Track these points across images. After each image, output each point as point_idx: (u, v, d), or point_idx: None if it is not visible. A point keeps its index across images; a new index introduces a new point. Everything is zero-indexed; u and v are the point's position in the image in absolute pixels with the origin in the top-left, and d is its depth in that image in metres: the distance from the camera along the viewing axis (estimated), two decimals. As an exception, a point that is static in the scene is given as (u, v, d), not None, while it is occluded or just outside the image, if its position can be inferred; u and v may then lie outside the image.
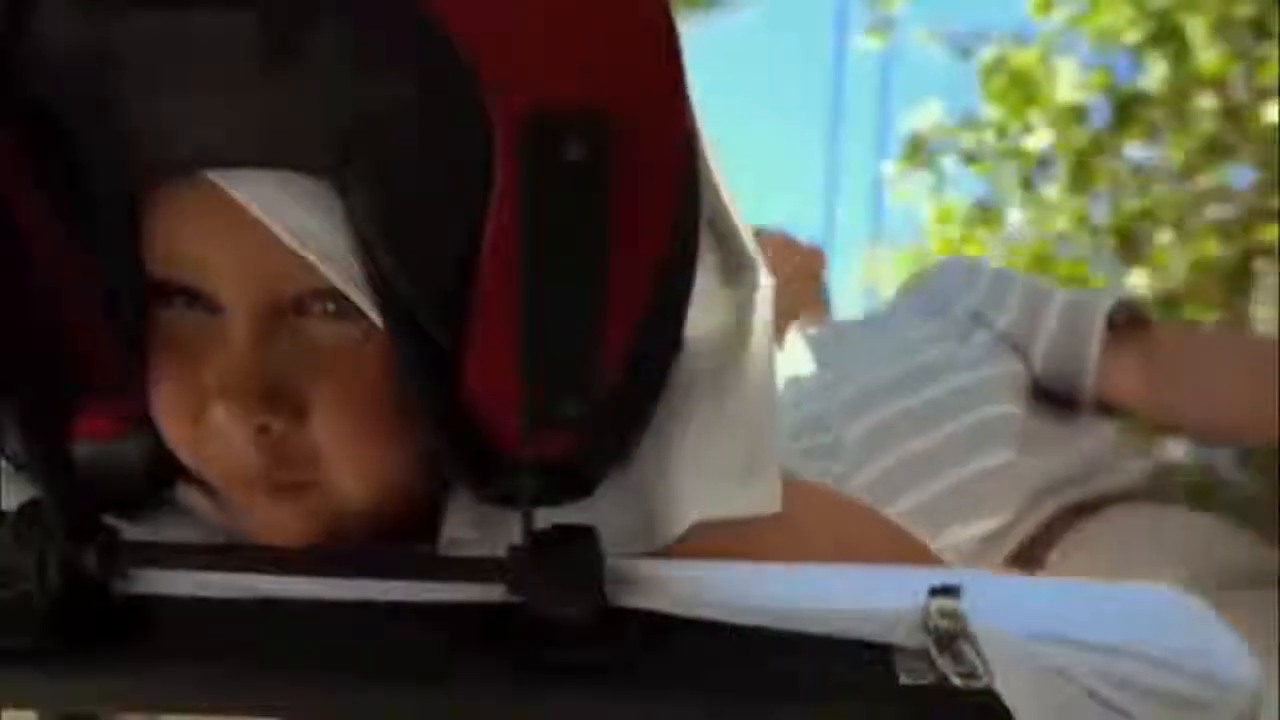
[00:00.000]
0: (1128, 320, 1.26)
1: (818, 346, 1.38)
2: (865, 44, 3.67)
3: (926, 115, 3.42)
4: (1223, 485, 1.58)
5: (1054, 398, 1.27)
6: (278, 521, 0.46)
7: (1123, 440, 1.34)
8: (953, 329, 1.31)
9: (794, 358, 1.39)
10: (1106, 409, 1.28)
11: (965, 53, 3.27)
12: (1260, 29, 2.60)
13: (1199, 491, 1.50)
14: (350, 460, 0.45)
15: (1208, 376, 1.26)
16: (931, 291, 1.39)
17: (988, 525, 1.16)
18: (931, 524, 1.15)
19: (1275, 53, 2.55)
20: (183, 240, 0.44)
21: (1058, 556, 1.15)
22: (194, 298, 0.45)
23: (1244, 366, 1.25)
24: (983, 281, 1.34)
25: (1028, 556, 1.16)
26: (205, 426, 0.45)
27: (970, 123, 3.32)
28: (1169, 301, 2.63)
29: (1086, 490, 1.20)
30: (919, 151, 3.44)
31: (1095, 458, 1.24)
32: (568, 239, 0.39)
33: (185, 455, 0.47)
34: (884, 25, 3.56)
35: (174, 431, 0.46)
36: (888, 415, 1.24)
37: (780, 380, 1.40)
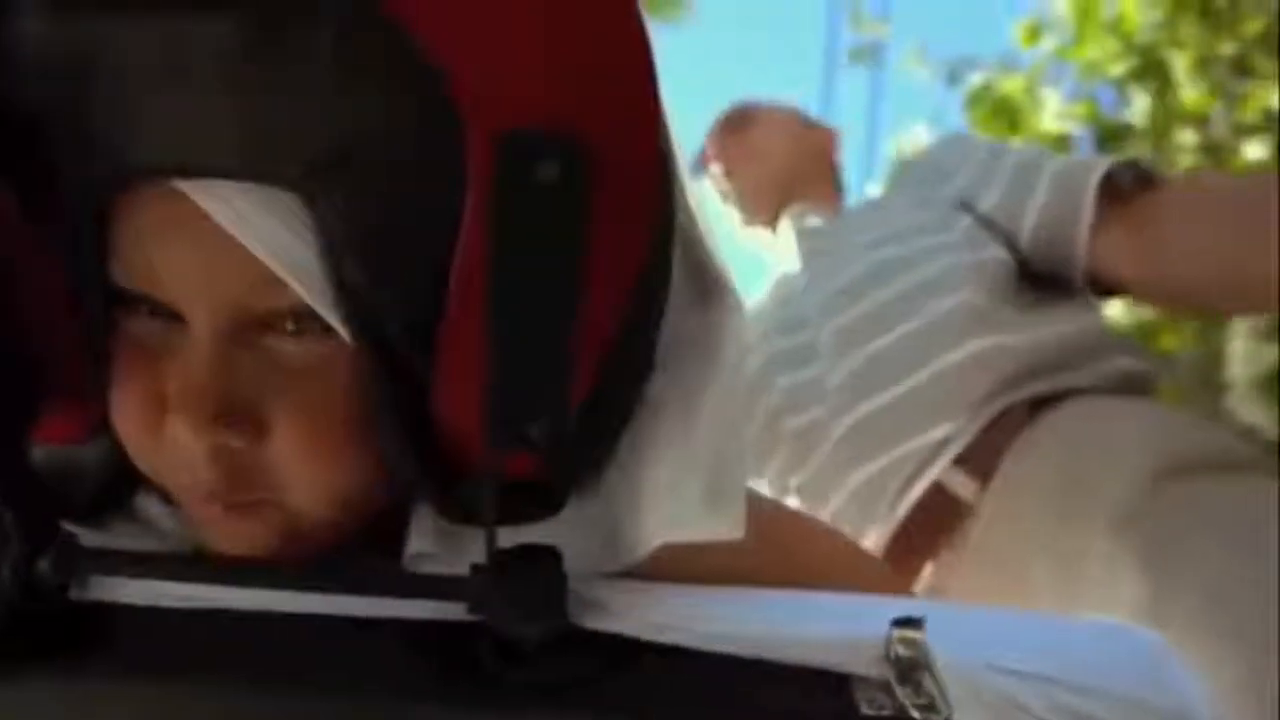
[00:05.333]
0: (1133, 184, 1.07)
1: (809, 239, 1.27)
2: (853, 68, 3.70)
3: (912, 140, 3.44)
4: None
5: (1047, 282, 1.11)
6: (235, 535, 0.46)
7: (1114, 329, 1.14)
8: (938, 219, 1.16)
9: (787, 251, 1.29)
10: (1105, 290, 1.11)
11: (953, 79, 3.30)
12: (1242, 67, 2.63)
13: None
14: (309, 479, 0.45)
15: (1198, 242, 1.03)
16: (925, 174, 1.24)
17: (941, 432, 1.02)
18: (893, 430, 1.04)
19: (1256, 91, 2.58)
20: (148, 250, 0.43)
21: (1011, 463, 0.99)
22: (158, 307, 0.45)
23: (1244, 226, 1.01)
24: (974, 160, 1.19)
25: (980, 460, 1.01)
26: (163, 438, 0.44)
27: (955, 149, 3.34)
28: (1146, 332, 2.64)
29: (1054, 383, 1.03)
30: (904, 175, 3.46)
31: (1072, 346, 1.06)
32: (539, 261, 0.39)
33: (143, 464, 0.46)
34: (871, 50, 3.59)
35: (132, 441, 0.46)
36: (854, 315, 1.12)
37: (774, 275, 1.29)
